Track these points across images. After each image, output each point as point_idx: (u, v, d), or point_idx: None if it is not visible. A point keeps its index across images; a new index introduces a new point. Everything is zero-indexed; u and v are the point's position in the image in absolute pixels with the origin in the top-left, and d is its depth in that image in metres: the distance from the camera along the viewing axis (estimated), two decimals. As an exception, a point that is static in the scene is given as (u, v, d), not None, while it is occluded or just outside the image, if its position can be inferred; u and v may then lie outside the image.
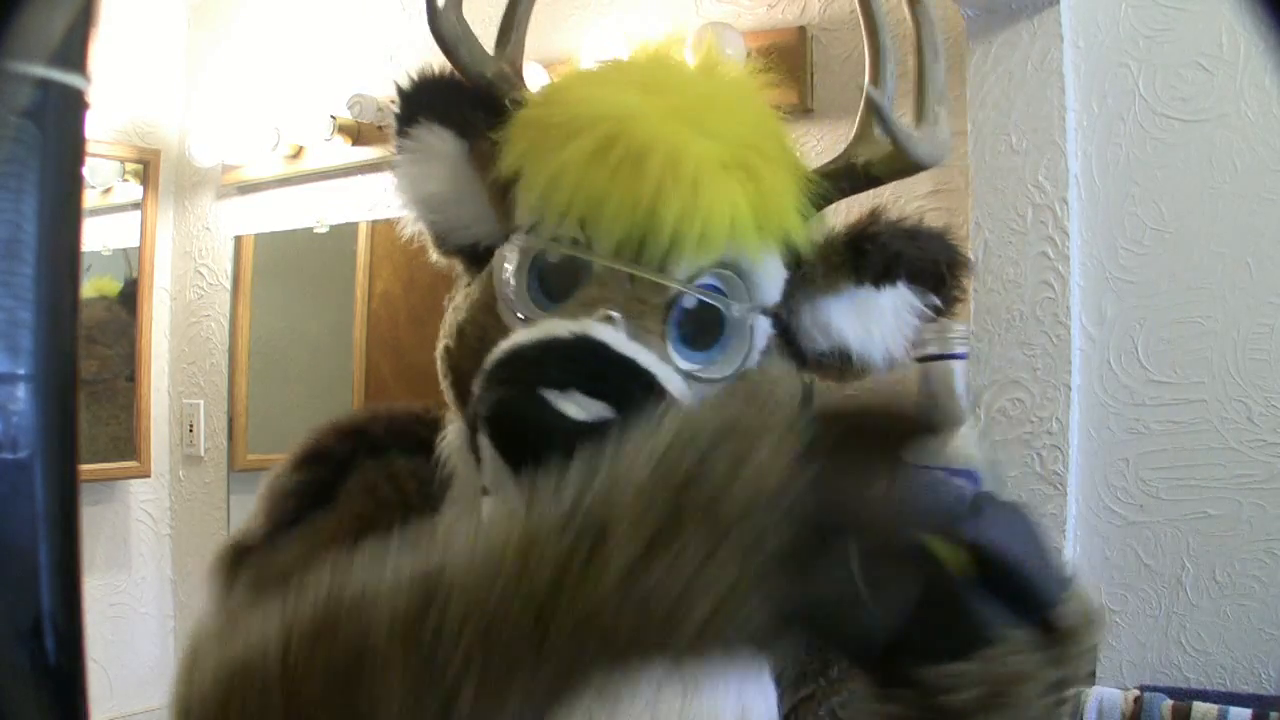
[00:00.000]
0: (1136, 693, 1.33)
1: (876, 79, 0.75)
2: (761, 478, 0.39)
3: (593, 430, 0.55)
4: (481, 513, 0.63)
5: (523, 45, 0.77)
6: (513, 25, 0.76)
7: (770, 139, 0.69)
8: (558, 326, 0.60)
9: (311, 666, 0.46)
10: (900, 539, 0.42)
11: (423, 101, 0.72)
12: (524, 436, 0.55)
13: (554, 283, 0.67)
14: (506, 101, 0.71)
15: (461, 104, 0.72)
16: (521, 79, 0.75)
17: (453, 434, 0.72)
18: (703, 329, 0.67)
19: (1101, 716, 1.32)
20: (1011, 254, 1.49)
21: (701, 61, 0.74)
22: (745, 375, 0.68)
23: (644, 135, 0.62)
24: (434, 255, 0.77)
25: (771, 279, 0.68)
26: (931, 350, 0.63)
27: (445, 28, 0.72)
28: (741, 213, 0.63)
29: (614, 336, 0.60)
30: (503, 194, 0.69)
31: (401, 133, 0.73)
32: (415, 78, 0.74)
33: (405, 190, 0.74)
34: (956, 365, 0.62)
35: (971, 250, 1.52)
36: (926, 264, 0.72)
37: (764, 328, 0.69)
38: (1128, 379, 1.46)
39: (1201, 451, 1.40)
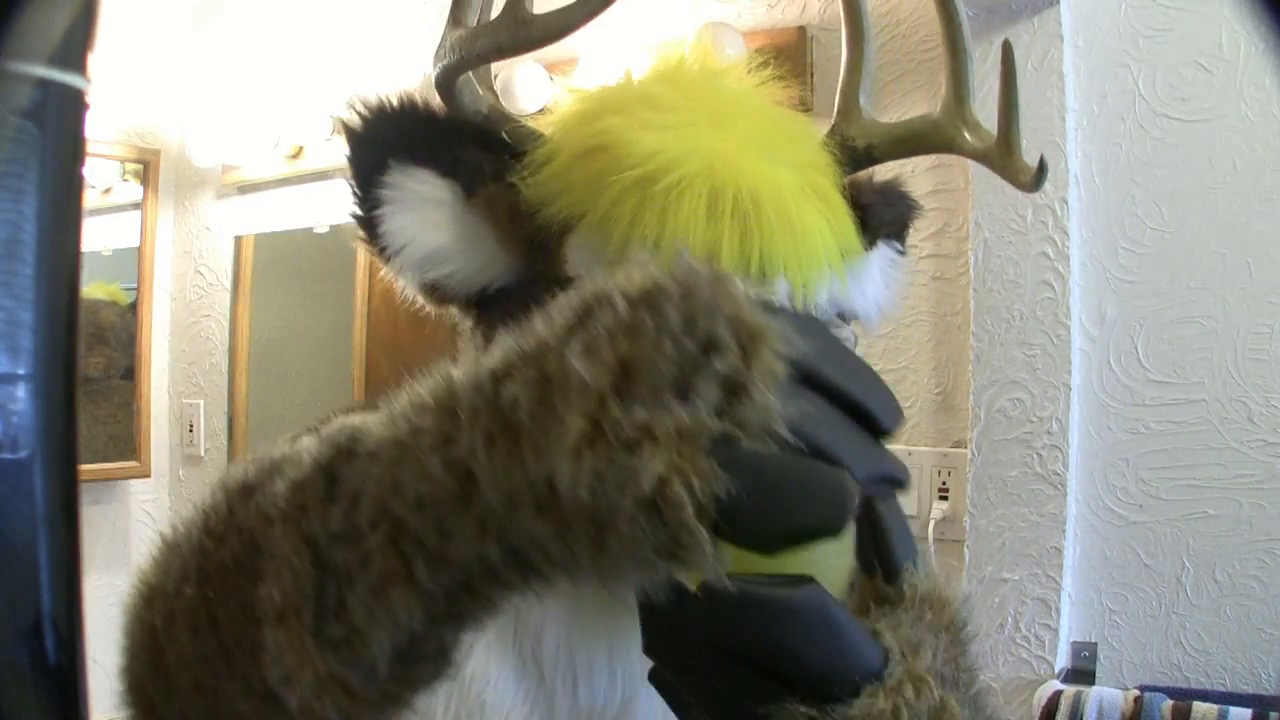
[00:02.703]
0: (1136, 693, 1.33)
1: (856, 70, 0.75)
2: (749, 390, 0.35)
3: None
4: None
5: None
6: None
7: (815, 149, 0.68)
8: None
9: (223, 537, 0.43)
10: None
11: (390, 143, 0.64)
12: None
13: None
14: (504, 134, 0.66)
15: (446, 141, 0.65)
16: (500, 103, 0.69)
17: None
18: None
19: (1101, 716, 1.32)
20: (1011, 254, 1.49)
21: (704, 67, 0.70)
22: None
23: (747, 184, 0.59)
24: (428, 307, 0.69)
25: (844, 287, 0.68)
26: None
27: (458, 79, 0.65)
28: (830, 244, 0.63)
29: None
30: (531, 239, 0.63)
31: (370, 183, 0.64)
32: (368, 114, 0.65)
33: (400, 248, 0.65)
34: None
35: (971, 250, 1.52)
36: (899, 220, 0.78)
37: (852, 334, 0.70)
38: (1128, 379, 1.46)
39: (1201, 451, 1.41)
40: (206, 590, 0.43)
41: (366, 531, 0.39)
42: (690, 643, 0.41)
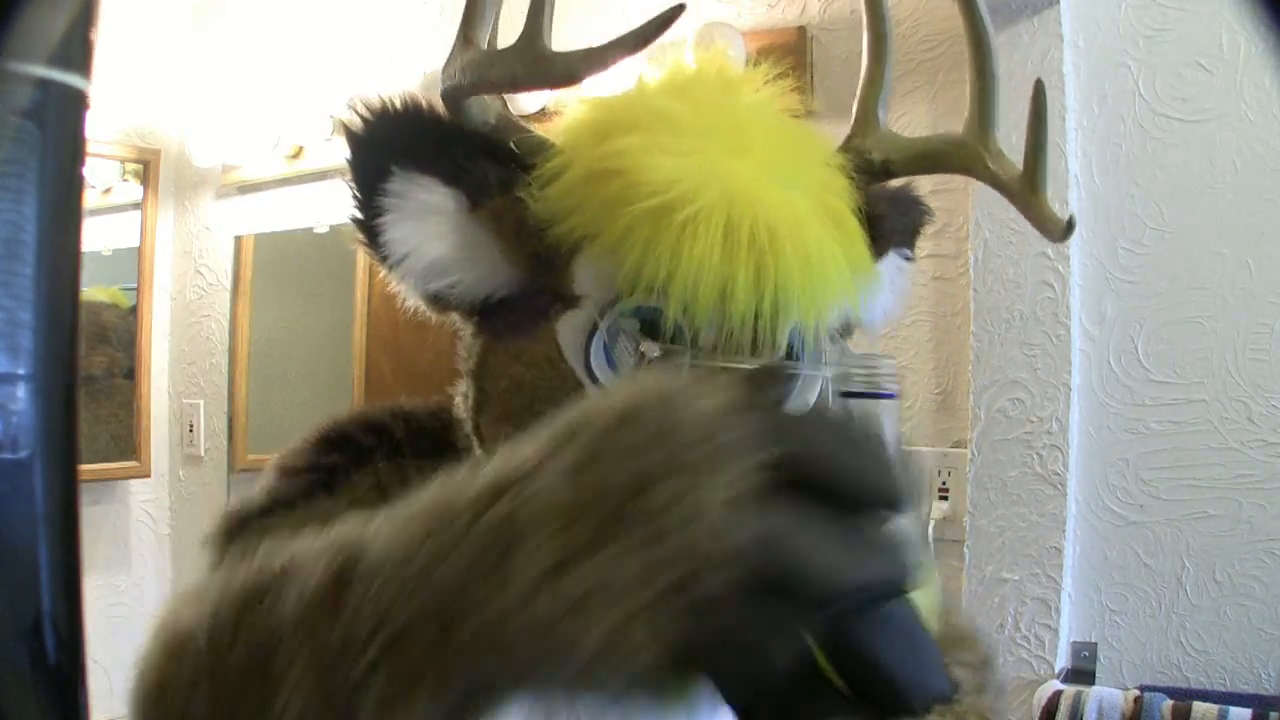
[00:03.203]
0: (1136, 693, 1.33)
1: (875, 82, 0.75)
2: (704, 517, 0.35)
3: None
4: None
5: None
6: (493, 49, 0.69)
7: (830, 169, 0.66)
8: None
9: (232, 643, 0.44)
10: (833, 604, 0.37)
11: (394, 149, 0.63)
12: None
13: (640, 359, 0.61)
14: (512, 144, 0.65)
15: (450, 149, 0.64)
16: (510, 110, 0.68)
17: None
18: None
19: (1101, 716, 1.32)
20: (1011, 254, 1.49)
21: (719, 79, 0.69)
22: None
23: (764, 215, 0.58)
24: (430, 314, 0.68)
25: (856, 312, 0.68)
26: (857, 388, 0.60)
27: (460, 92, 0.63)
28: (844, 271, 0.62)
29: None
30: (538, 254, 0.63)
31: (373, 189, 0.63)
32: (371, 117, 0.63)
33: (401, 258, 0.64)
34: (885, 405, 0.59)
35: (971, 250, 1.52)
36: (910, 228, 0.78)
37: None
38: (1128, 379, 1.46)
39: (1201, 451, 1.41)
40: (219, 692, 0.44)
41: (369, 649, 0.39)
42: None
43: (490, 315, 0.67)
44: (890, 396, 0.58)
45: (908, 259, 0.80)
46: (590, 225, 0.60)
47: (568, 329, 0.62)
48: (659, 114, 0.63)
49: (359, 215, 0.64)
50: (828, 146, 0.70)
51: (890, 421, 0.57)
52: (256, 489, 0.71)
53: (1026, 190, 0.70)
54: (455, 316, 0.69)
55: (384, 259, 0.64)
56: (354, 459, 0.70)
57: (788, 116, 0.69)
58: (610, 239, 0.59)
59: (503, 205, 0.63)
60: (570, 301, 0.63)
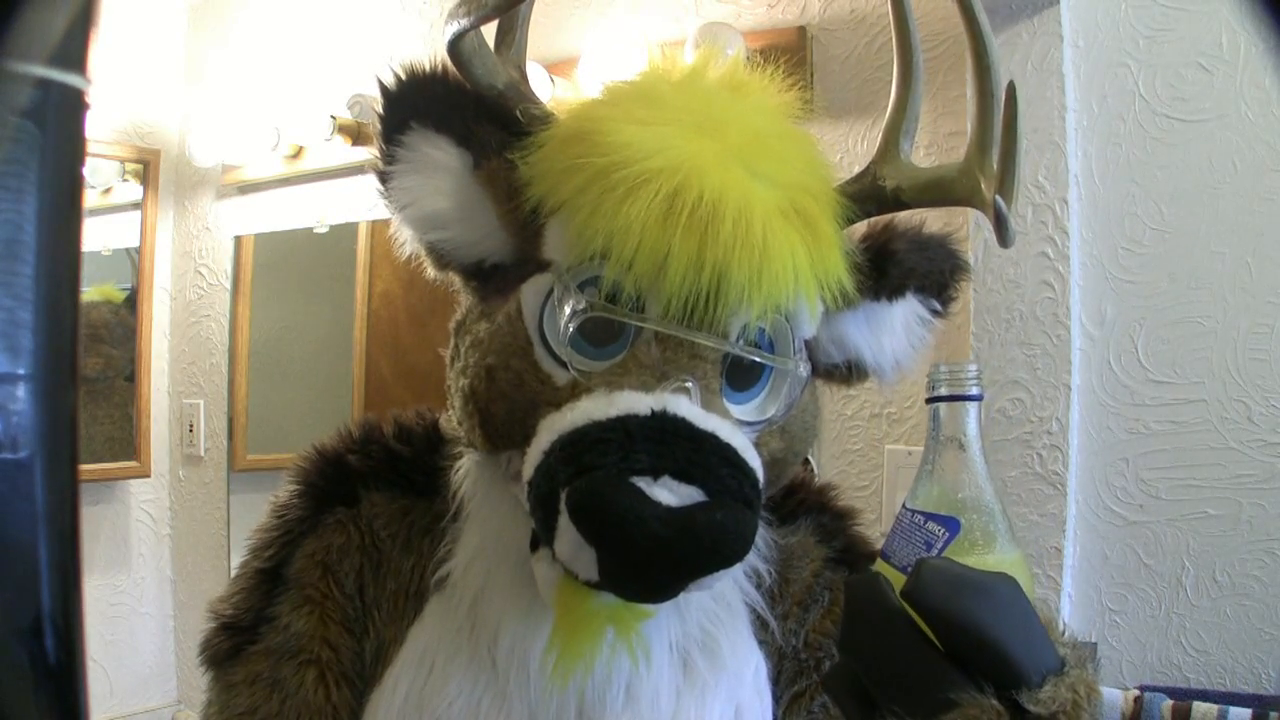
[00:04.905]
0: (1136, 693, 1.33)
1: (901, 110, 0.74)
2: None
3: (685, 515, 0.54)
4: (535, 571, 0.62)
5: (525, 46, 0.72)
6: (515, 24, 0.70)
7: (814, 173, 0.67)
8: (634, 401, 0.57)
9: None
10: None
11: (415, 106, 0.66)
12: (619, 526, 0.53)
13: (591, 327, 0.63)
14: (518, 113, 0.67)
15: (464, 112, 0.66)
16: (529, 85, 0.70)
17: (471, 469, 0.71)
18: (743, 370, 0.65)
19: (1101, 717, 1.32)
20: (1011, 254, 1.49)
21: (727, 80, 0.70)
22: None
23: (712, 191, 0.58)
24: (431, 272, 0.71)
25: (813, 318, 0.68)
26: (943, 391, 0.61)
27: (464, 45, 0.66)
28: (803, 268, 0.62)
29: (693, 410, 0.58)
30: (524, 219, 0.65)
31: (390, 140, 0.66)
32: (403, 76, 0.67)
33: (403, 206, 0.67)
34: (970, 406, 0.60)
35: (971, 250, 1.52)
36: (934, 274, 0.76)
37: (807, 369, 0.68)
38: (1128, 379, 1.46)
39: (1201, 451, 1.40)
40: None
41: None
42: (893, 635, 0.46)
43: (486, 279, 0.69)
44: (976, 399, 0.59)
45: (936, 313, 0.78)
46: (553, 189, 0.62)
47: (531, 290, 0.64)
48: (644, 91, 0.65)
49: (378, 163, 0.68)
50: (820, 156, 0.70)
51: (974, 422, 0.59)
52: (232, 588, 0.73)
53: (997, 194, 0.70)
54: (455, 277, 0.71)
55: (390, 205, 0.68)
56: (308, 518, 0.73)
57: (785, 121, 0.69)
58: (565, 199, 0.61)
59: (497, 167, 0.66)
60: (542, 266, 0.65)
